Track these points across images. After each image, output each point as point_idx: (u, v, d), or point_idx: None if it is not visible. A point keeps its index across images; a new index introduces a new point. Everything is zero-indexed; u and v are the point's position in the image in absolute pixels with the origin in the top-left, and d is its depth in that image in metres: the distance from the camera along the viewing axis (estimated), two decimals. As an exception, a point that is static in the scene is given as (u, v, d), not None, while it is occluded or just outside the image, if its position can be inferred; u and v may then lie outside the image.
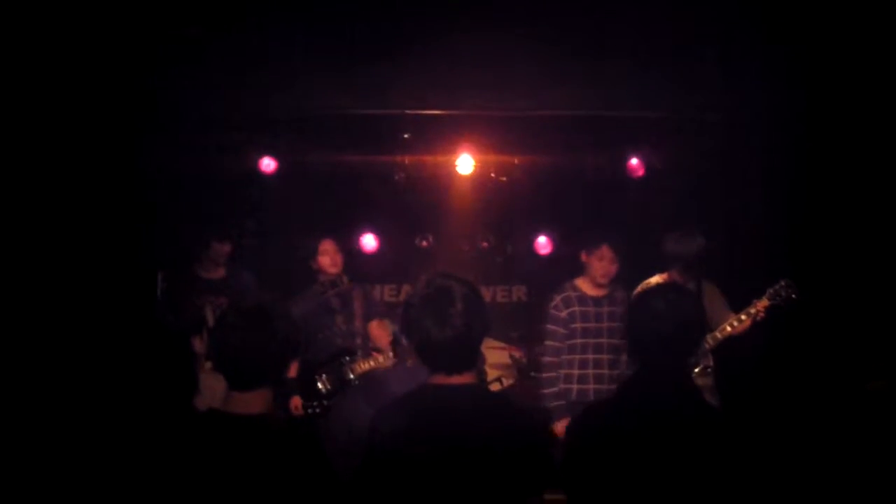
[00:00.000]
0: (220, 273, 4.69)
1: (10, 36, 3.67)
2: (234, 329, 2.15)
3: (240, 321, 2.17)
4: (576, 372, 4.38)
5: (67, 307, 4.12)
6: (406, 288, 6.13)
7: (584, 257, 4.43)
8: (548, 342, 4.41)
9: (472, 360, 2.16)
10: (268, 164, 5.42)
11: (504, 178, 5.72)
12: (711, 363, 4.40)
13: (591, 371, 4.37)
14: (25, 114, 3.99)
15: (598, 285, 4.42)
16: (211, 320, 4.24)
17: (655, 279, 4.44)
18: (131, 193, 4.70)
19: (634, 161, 5.31)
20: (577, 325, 4.38)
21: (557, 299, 4.42)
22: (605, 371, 4.38)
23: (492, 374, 5.63)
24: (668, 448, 2.13)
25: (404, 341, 4.08)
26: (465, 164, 5.46)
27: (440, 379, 2.15)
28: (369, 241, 5.66)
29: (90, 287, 4.29)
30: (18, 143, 4.02)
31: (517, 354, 5.71)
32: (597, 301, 4.42)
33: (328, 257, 4.64)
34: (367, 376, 4.57)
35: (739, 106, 4.65)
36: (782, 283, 4.32)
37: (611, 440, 2.20)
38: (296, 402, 4.46)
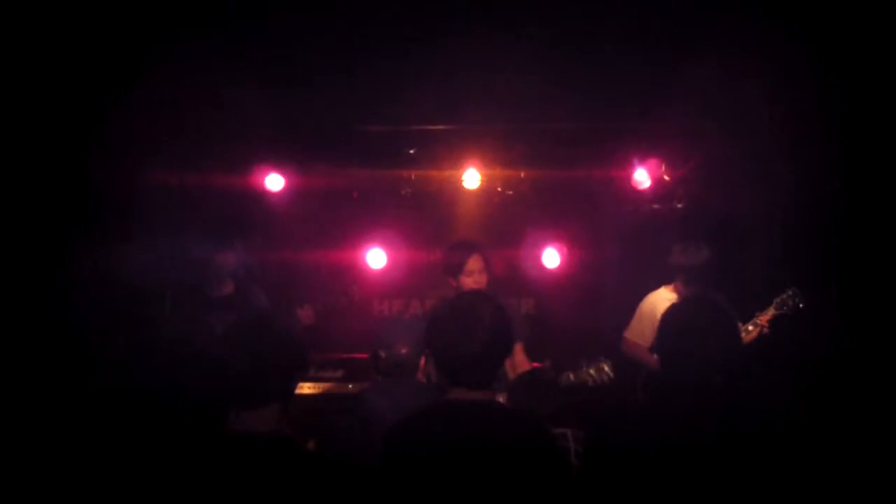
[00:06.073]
0: (228, 289, 4.65)
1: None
2: (235, 348, 2.11)
3: (239, 339, 2.14)
4: None
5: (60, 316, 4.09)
6: (414, 303, 6.14)
7: None
8: None
9: (493, 376, 2.15)
10: (274, 179, 5.43)
11: (510, 192, 5.74)
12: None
13: None
14: (26, 115, 3.99)
15: None
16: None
17: (661, 290, 4.45)
18: (132, 209, 4.67)
19: (641, 172, 5.31)
20: None
21: None
22: None
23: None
24: (690, 461, 2.12)
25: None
26: (472, 178, 5.48)
27: (460, 393, 2.15)
28: (377, 257, 5.65)
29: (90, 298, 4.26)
30: (19, 143, 4.01)
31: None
32: None
33: (472, 279, 4.04)
34: None
35: (742, 113, 4.65)
36: (789, 291, 4.32)
37: (636, 450, 2.19)
38: None
